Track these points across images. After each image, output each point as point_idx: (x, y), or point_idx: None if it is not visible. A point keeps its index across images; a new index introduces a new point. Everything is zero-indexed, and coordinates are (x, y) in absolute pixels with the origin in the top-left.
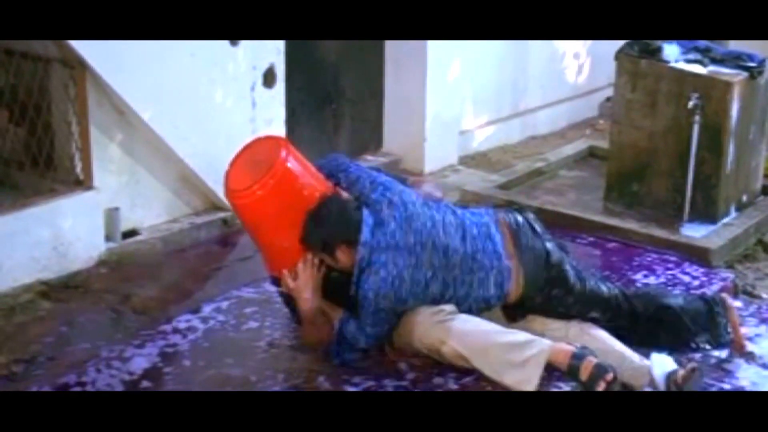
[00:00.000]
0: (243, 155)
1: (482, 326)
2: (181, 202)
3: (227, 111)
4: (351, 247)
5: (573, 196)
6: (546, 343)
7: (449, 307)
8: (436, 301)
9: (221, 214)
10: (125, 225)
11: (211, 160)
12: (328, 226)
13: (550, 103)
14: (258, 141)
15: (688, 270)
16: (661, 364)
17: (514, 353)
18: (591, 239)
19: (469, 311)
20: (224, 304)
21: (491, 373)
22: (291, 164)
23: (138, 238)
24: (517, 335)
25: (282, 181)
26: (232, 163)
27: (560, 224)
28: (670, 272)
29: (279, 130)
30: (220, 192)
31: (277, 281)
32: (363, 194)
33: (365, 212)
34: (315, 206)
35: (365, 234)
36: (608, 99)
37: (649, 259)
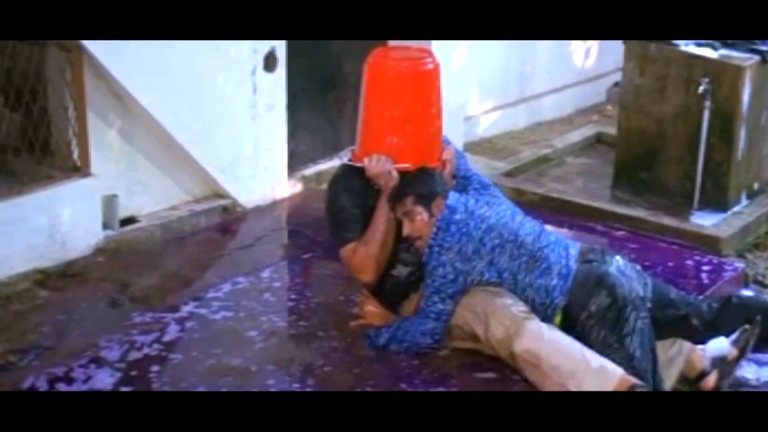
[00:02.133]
0: (395, 47)
1: (560, 333)
2: (180, 189)
3: (228, 96)
4: (443, 198)
5: (580, 184)
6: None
7: (526, 307)
8: (500, 273)
9: (221, 202)
10: (123, 212)
11: (211, 146)
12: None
13: (557, 88)
14: (411, 47)
15: (697, 259)
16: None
17: (594, 358)
18: (599, 228)
19: (530, 304)
20: (224, 293)
21: (565, 376)
22: (435, 71)
23: (136, 225)
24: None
25: (424, 74)
26: (382, 48)
27: (567, 212)
28: (679, 261)
29: (280, 116)
30: (220, 178)
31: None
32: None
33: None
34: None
35: (455, 198)
36: (616, 84)
37: (658, 248)
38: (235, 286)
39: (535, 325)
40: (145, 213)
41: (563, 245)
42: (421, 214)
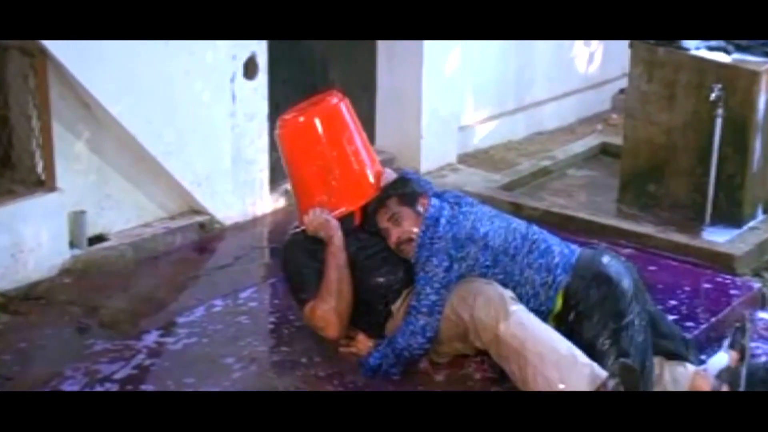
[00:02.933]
0: (301, 105)
1: (549, 327)
2: (153, 205)
3: (204, 105)
4: (426, 197)
5: (583, 198)
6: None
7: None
8: (496, 255)
9: (198, 218)
10: (92, 230)
11: (187, 159)
12: (418, 181)
13: (558, 95)
14: (318, 95)
15: (710, 279)
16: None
17: (582, 356)
18: (603, 245)
19: (530, 285)
20: (200, 317)
21: (549, 365)
22: (343, 109)
23: (106, 244)
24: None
25: (327, 115)
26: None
27: (569, 228)
28: (690, 281)
29: (261, 126)
30: (196, 193)
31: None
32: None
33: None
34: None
35: (437, 198)
36: (622, 91)
37: (667, 266)
38: (212, 309)
39: (524, 312)
40: (115, 231)
41: (556, 237)
42: (408, 213)
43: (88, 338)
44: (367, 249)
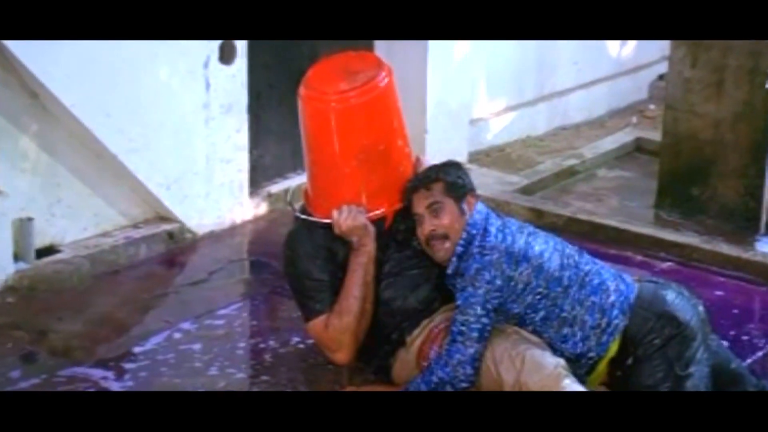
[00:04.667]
0: (330, 62)
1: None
2: (114, 211)
3: (173, 94)
4: (475, 198)
5: (615, 203)
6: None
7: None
8: (548, 282)
9: (166, 227)
10: (41, 240)
11: (153, 157)
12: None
13: (586, 83)
14: (351, 54)
15: (765, 298)
16: None
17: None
18: (638, 258)
19: (578, 325)
20: (170, 342)
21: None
22: (392, 88)
23: (57, 257)
24: None
25: (381, 98)
26: (317, 65)
27: (598, 239)
28: (741, 300)
29: (240, 119)
30: (164, 197)
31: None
32: None
33: None
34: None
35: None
36: (661, 77)
37: (714, 283)
38: (182, 333)
39: (576, 386)
40: (68, 241)
41: (607, 267)
42: (451, 207)
43: (36, 368)
44: (393, 259)
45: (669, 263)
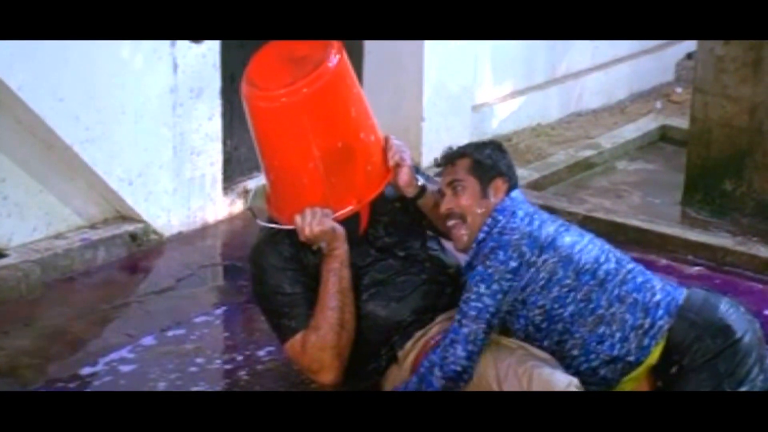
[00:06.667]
0: (270, 49)
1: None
2: (68, 210)
3: (135, 75)
4: (506, 184)
5: (637, 199)
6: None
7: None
8: (578, 273)
9: (128, 227)
10: None
11: (114, 149)
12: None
13: (603, 64)
14: (296, 41)
15: None
16: None
17: None
18: (663, 262)
19: (617, 325)
20: (132, 358)
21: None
22: (345, 67)
23: (3, 261)
24: None
25: (335, 82)
26: (256, 56)
27: (618, 239)
28: None
29: (212, 104)
30: (126, 194)
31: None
32: None
33: None
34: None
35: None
36: (689, 56)
37: (751, 290)
38: (146, 348)
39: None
40: (15, 244)
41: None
42: (474, 188)
43: None
44: (374, 268)
45: (698, 267)
